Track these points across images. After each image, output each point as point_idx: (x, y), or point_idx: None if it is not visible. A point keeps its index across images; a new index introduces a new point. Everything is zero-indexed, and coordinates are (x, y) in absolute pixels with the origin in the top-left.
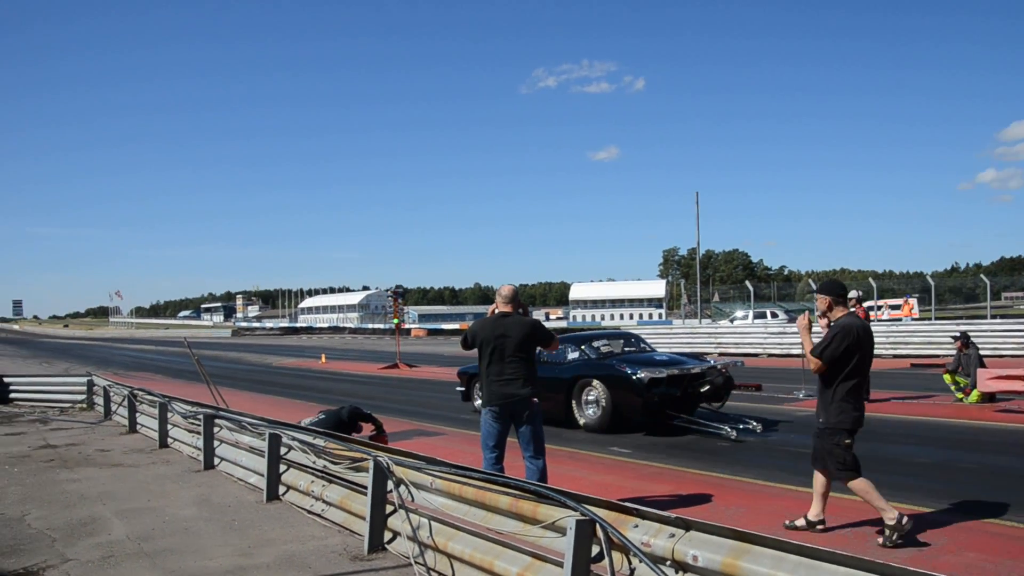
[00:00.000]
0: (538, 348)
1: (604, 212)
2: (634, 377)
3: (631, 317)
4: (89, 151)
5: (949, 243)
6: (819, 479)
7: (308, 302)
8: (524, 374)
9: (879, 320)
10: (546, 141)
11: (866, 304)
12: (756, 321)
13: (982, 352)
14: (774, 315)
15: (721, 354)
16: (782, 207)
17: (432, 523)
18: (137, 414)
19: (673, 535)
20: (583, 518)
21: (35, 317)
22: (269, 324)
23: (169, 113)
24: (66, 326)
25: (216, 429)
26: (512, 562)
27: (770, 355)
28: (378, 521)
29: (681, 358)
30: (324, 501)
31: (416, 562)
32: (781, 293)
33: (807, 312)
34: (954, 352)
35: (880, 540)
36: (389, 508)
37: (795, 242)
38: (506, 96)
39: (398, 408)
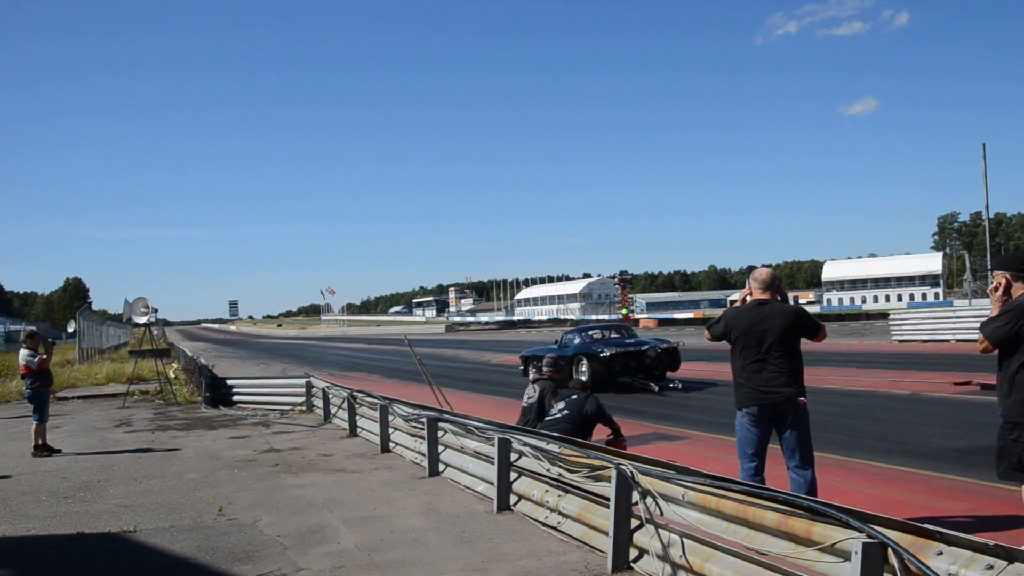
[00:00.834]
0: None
1: (860, 175)
2: (600, 354)
3: (899, 298)
4: (301, 145)
5: None
6: None
7: (524, 293)
8: (788, 370)
9: None
10: (788, 94)
11: None
12: None
13: None
14: None
15: None
16: None
17: (685, 541)
18: (357, 417)
19: (991, 567)
20: (871, 541)
21: (250, 317)
22: (484, 318)
23: (372, 105)
24: (279, 325)
25: (440, 433)
26: None
27: None
28: (622, 537)
29: (643, 340)
30: (560, 513)
31: None
32: None
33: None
34: None
35: None
36: (634, 522)
37: None
38: (738, 49)
39: (629, 408)
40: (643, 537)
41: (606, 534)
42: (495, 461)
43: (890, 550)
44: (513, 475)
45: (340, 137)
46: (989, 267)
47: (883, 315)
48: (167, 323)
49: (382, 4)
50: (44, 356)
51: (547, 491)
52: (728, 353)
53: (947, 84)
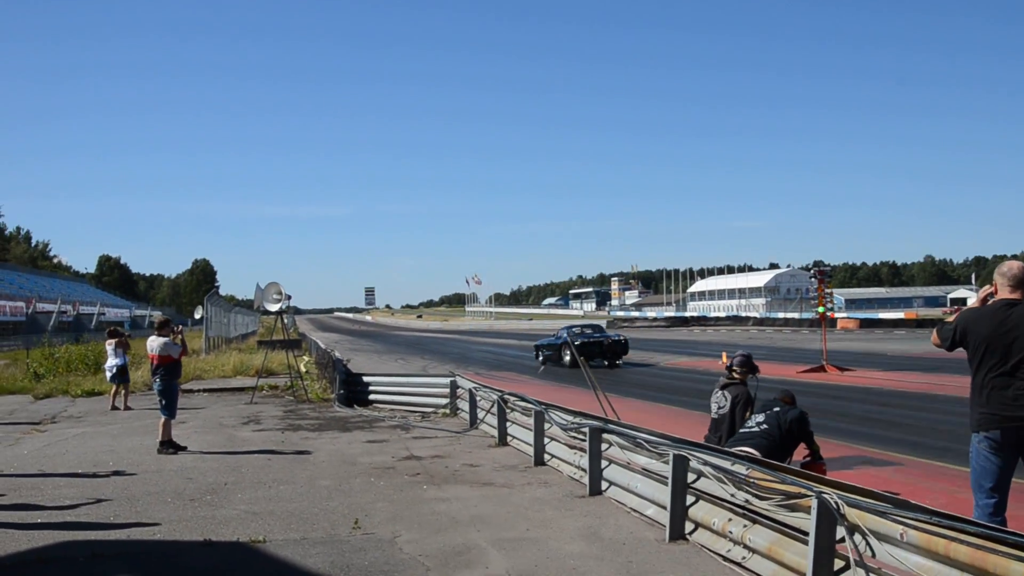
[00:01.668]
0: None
1: None
2: (576, 343)
3: None
4: (449, 122)
5: None
6: None
7: (699, 285)
8: None
9: None
10: None
11: None
12: None
13: None
14: None
15: None
16: None
17: None
18: (508, 423)
19: None
20: None
21: (387, 307)
22: (651, 313)
23: (524, 90)
24: (419, 316)
25: (604, 446)
26: None
27: None
28: None
29: (605, 334)
30: (746, 546)
31: None
32: None
33: None
34: None
35: None
36: (838, 563)
37: None
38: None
39: (827, 426)
40: None
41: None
42: (668, 481)
43: None
44: (689, 499)
45: (492, 113)
46: None
47: None
48: (298, 311)
49: None
50: (184, 345)
51: (730, 519)
52: (962, 365)
53: None
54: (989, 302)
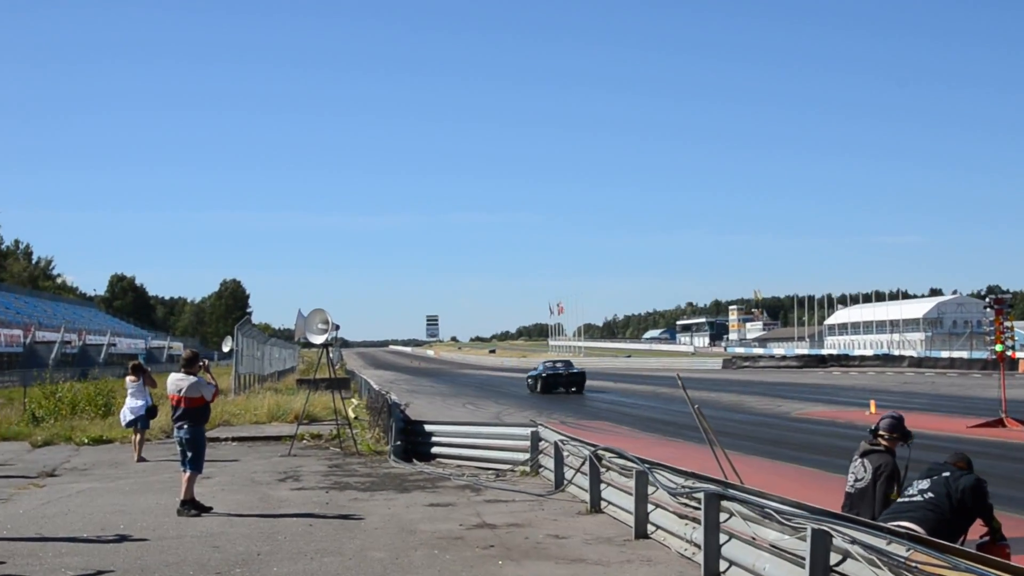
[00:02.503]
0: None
1: None
2: (540, 374)
3: None
4: (526, 124)
5: None
6: None
7: (839, 316)
8: None
9: None
10: None
11: None
12: None
13: None
14: None
15: None
16: None
17: None
18: (602, 485)
19: None
20: None
21: (453, 339)
22: (779, 350)
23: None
24: (493, 351)
25: (723, 516)
26: None
27: None
28: None
29: (563, 368)
30: None
31: None
32: None
33: None
34: None
35: None
36: None
37: None
38: None
39: (1010, 497)
40: None
41: None
42: (806, 562)
43: None
44: None
45: (581, 110)
46: None
47: None
48: (345, 344)
49: None
50: (216, 383)
51: None
52: None
53: None
54: None
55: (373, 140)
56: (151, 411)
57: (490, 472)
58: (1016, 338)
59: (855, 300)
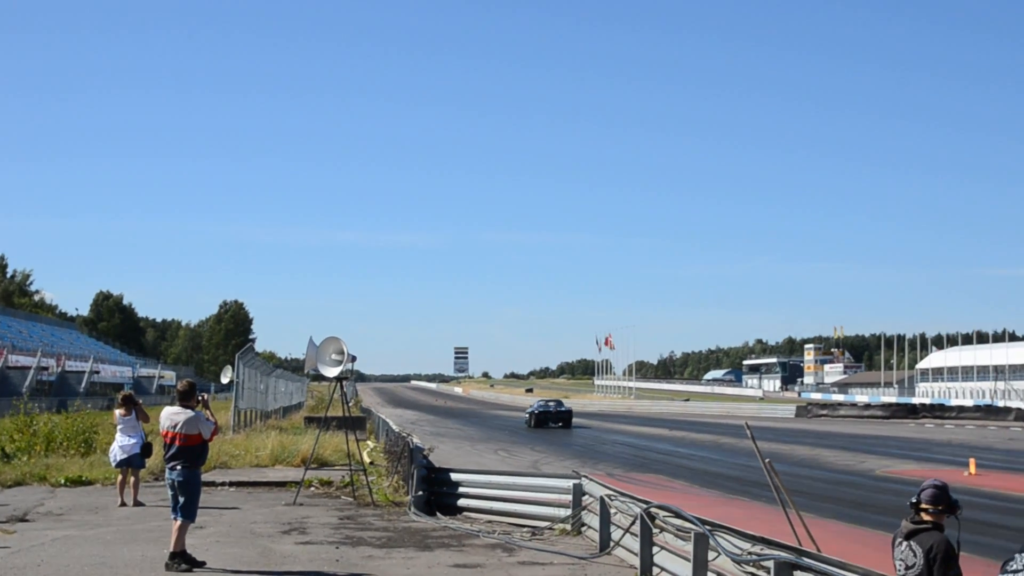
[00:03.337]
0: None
1: None
2: (534, 411)
3: None
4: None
5: None
6: None
7: (934, 359)
8: None
9: None
10: None
11: None
12: None
13: None
14: None
15: None
16: None
17: None
18: (654, 548)
19: None
20: None
21: (485, 375)
22: (862, 397)
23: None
24: (530, 390)
25: None
26: None
27: None
28: None
29: (553, 406)
30: None
31: None
32: None
33: None
34: None
35: None
36: None
37: None
38: None
39: None
40: None
41: None
42: None
43: None
44: None
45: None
46: None
47: None
48: (362, 377)
49: None
50: (215, 420)
51: None
52: None
53: None
54: None
55: (396, 142)
56: (146, 449)
57: (525, 530)
58: None
59: (953, 341)
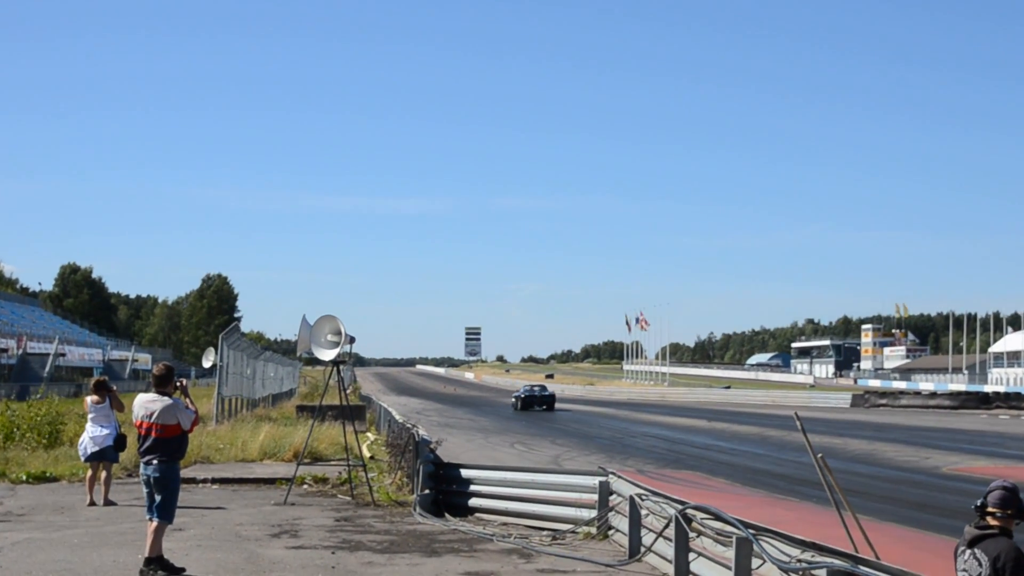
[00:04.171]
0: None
1: None
2: (521, 395)
3: None
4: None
5: None
6: None
7: (1009, 341)
8: None
9: None
10: None
11: None
12: None
13: None
14: None
15: None
16: None
17: None
18: (690, 554)
19: None
20: None
21: (500, 359)
22: (927, 385)
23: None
24: (550, 376)
25: None
26: None
27: None
28: None
29: (538, 391)
30: None
31: None
32: None
33: None
34: None
35: None
36: None
37: None
38: None
39: None
40: None
41: None
42: None
43: None
44: None
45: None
46: None
47: None
48: (360, 361)
49: None
50: (196, 409)
51: None
52: None
53: None
54: None
55: (395, 91)
56: (119, 441)
57: (544, 533)
58: None
59: None
